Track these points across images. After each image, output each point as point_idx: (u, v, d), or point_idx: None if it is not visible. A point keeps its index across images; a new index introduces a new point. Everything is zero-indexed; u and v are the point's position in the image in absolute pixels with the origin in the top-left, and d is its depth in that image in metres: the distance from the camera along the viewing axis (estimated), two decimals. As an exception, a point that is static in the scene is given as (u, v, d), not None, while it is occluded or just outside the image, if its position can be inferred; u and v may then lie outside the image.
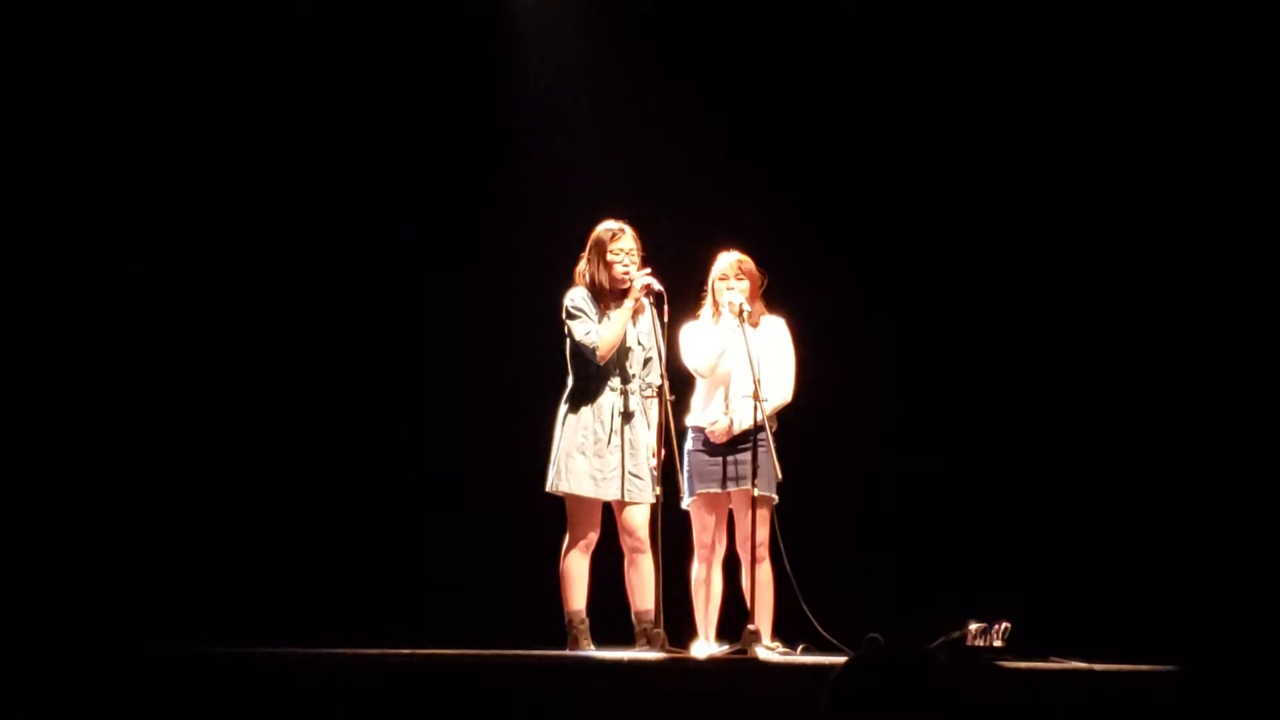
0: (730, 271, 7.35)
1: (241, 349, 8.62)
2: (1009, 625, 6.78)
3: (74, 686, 5.89)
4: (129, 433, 8.42)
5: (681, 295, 7.44)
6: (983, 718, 5.59)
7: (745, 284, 7.31)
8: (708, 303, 7.43)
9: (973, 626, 6.76)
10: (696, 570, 7.31)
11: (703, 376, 7.35)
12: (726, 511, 7.33)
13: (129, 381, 8.45)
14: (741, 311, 7.20)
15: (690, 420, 7.34)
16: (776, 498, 7.15)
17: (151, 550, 8.28)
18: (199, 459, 8.51)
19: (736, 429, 7.20)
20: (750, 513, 7.13)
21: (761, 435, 7.08)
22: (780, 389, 7.26)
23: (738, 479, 7.19)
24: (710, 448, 7.27)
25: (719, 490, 7.25)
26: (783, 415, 7.32)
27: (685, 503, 7.27)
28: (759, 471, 7.09)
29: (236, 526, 8.44)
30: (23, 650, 6.46)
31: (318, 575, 8.29)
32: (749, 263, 7.37)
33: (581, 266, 7.28)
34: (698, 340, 7.34)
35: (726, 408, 7.27)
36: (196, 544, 8.36)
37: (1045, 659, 6.69)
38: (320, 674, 6.17)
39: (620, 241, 7.19)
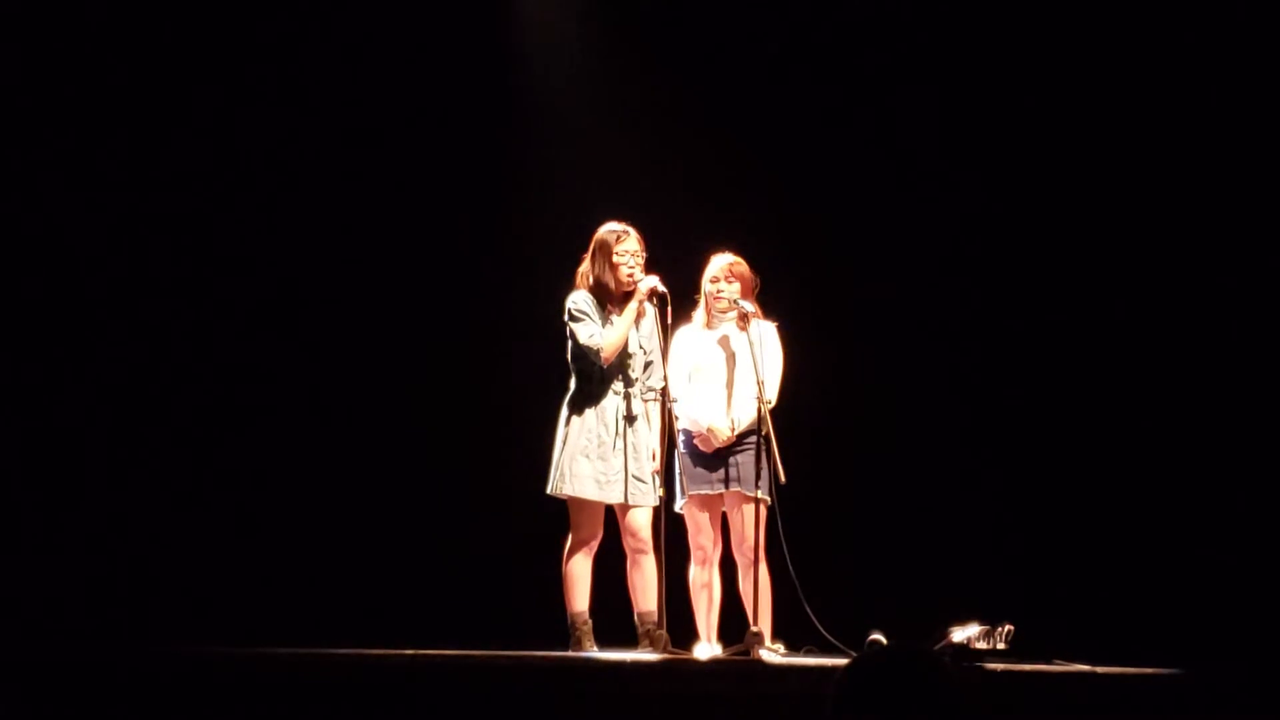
0: (721, 274, 7.32)
1: (244, 350, 8.62)
2: (1012, 627, 6.77)
3: (74, 686, 5.87)
4: (130, 433, 8.41)
5: (684, 298, 7.43)
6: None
7: (736, 286, 7.29)
8: (700, 306, 7.40)
9: (969, 630, 6.75)
10: (694, 573, 7.29)
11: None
12: (720, 513, 7.30)
13: (130, 381, 8.44)
14: (740, 310, 7.18)
15: (682, 424, 7.26)
16: (770, 499, 7.11)
17: (152, 550, 8.28)
18: (200, 458, 8.50)
19: (738, 430, 7.18)
20: (748, 515, 7.10)
21: (760, 436, 7.04)
22: (765, 392, 7.20)
23: (736, 480, 7.16)
24: (703, 450, 7.23)
25: (714, 491, 7.22)
26: (780, 413, 7.27)
27: (678, 505, 7.22)
28: (759, 473, 7.06)
29: (239, 527, 8.43)
30: (21, 650, 6.46)
31: (320, 576, 8.29)
32: (741, 264, 7.34)
33: (584, 268, 7.24)
34: (676, 357, 7.26)
35: (728, 411, 7.24)
36: (198, 544, 8.36)
37: (1048, 661, 6.68)
38: (323, 675, 6.15)
39: (625, 243, 7.16)
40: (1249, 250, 8.62)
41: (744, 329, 7.22)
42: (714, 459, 7.21)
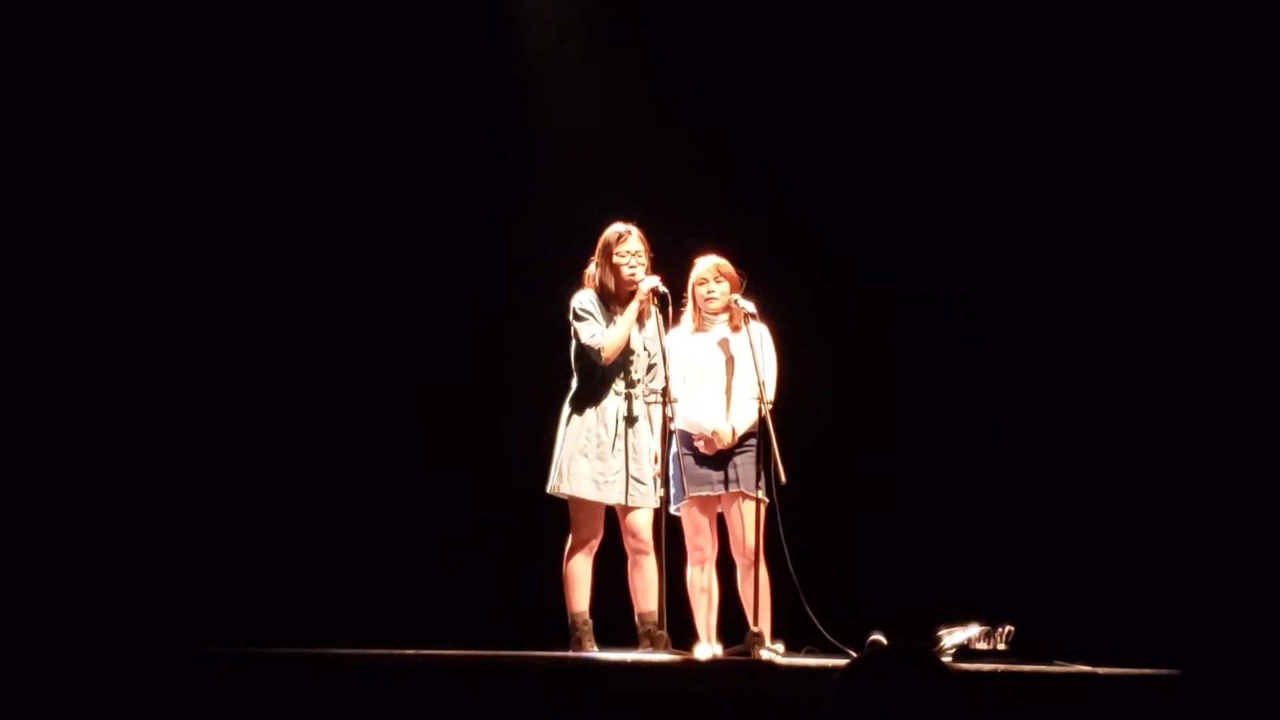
0: (709, 275, 7.30)
1: (246, 350, 8.62)
2: (1012, 628, 6.78)
3: (75, 686, 5.87)
4: (131, 433, 8.41)
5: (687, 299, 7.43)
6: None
7: (725, 286, 7.27)
8: (688, 309, 7.38)
9: (970, 631, 6.76)
10: (694, 575, 7.27)
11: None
12: (717, 513, 7.29)
13: (131, 381, 8.44)
14: (739, 310, 7.17)
15: (678, 425, 7.19)
16: (768, 498, 7.10)
17: (153, 550, 8.27)
18: (200, 458, 8.50)
19: (740, 432, 7.17)
20: (746, 515, 7.10)
21: (764, 437, 7.04)
22: (766, 393, 7.18)
23: (735, 481, 7.15)
24: (701, 452, 7.22)
25: (713, 493, 7.21)
26: (778, 413, 7.25)
27: (675, 508, 7.17)
28: (758, 474, 7.05)
29: (240, 526, 8.43)
30: (23, 650, 6.45)
31: (321, 575, 8.28)
32: (727, 265, 7.32)
33: (590, 269, 7.25)
34: (670, 362, 7.23)
35: (728, 414, 7.22)
36: (198, 544, 8.35)
37: (1049, 662, 6.68)
38: (323, 674, 6.15)
39: (627, 243, 7.16)
40: (1247, 250, 8.61)
41: (740, 328, 7.20)
42: (715, 460, 7.20)
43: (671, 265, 7.35)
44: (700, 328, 7.36)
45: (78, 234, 8.40)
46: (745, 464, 7.15)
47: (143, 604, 8.05)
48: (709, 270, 7.30)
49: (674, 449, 7.12)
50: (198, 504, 8.43)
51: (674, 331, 7.33)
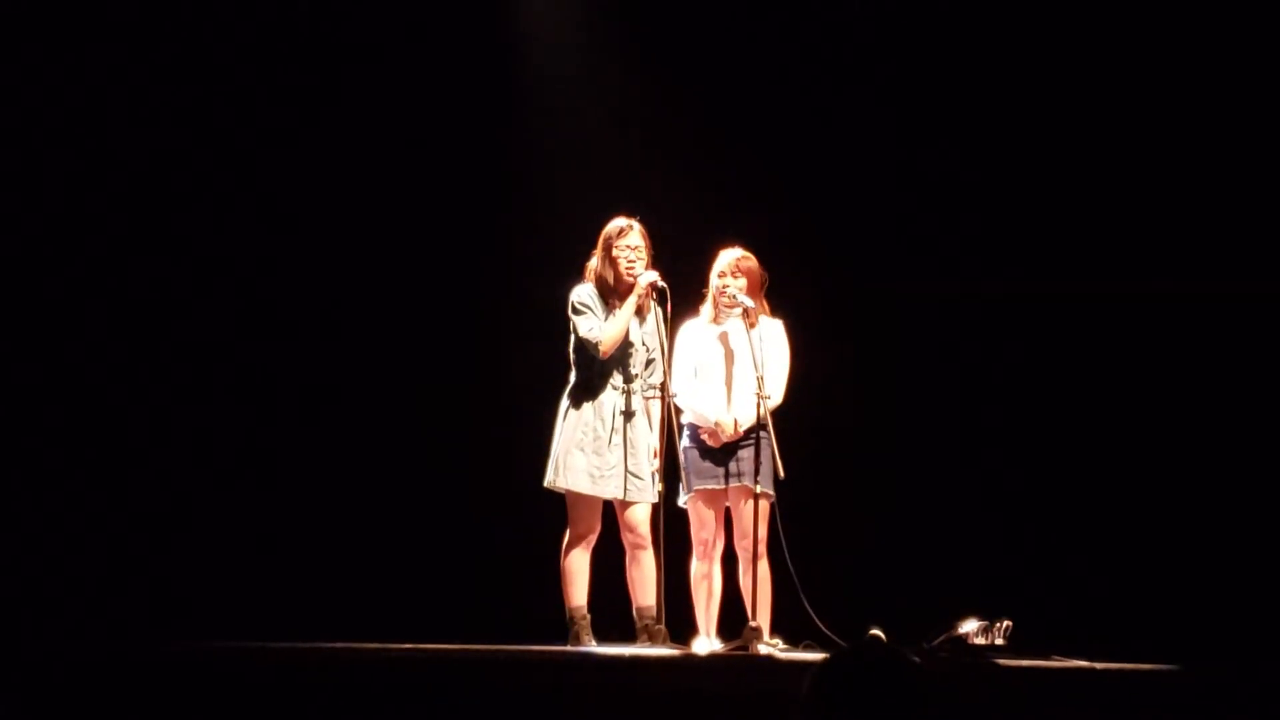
0: (729, 269, 7.32)
1: (246, 345, 8.65)
2: (1010, 623, 6.78)
3: (74, 686, 5.89)
4: (131, 431, 8.43)
5: (690, 294, 7.42)
6: (980, 717, 5.60)
7: (743, 281, 7.28)
8: (708, 301, 7.40)
9: (967, 626, 6.76)
10: (696, 567, 7.29)
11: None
12: (724, 508, 7.31)
13: (132, 379, 8.47)
14: (740, 305, 7.18)
15: (686, 418, 7.27)
16: (774, 494, 7.12)
17: (152, 548, 8.31)
18: (201, 455, 8.52)
19: (741, 428, 7.18)
20: (750, 510, 7.12)
21: (764, 432, 7.06)
22: (772, 391, 7.21)
23: (739, 475, 7.17)
24: (707, 445, 7.24)
25: (719, 486, 7.23)
26: (782, 411, 7.28)
27: (682, 500, 7.23)
28: (759, 468, 7.07)
29: (236, 523, 8.45)
30: (23, 650, 6.48)
31: (318, 571, 8.30)
32: (749, 260, 7.34)
33: (592, 263, 7.27)
34: (682, 351, 7.29)
35: (729, 406, 7.24)
36: (197, 541, 8.38)
37: (1047, 657, 6.68)
38: (320, 669, 6.17)
39: (627, 238, 7.18)
40: (1246, 256, 8.60)
41: (752, 325, 7.20)
42: (719, 454, 7.22)
43: (672, 263, 7.36)
44: (715, 319, 7.39)
45: (74, 234, 8.43)
46: (748, 458, 7.16)
47: (144, 602, 8.08)
48: (729, 264, 7.32)
49: (683, 442, 7.16)
50: (198, 502, 8.46)
51: (692, 321, 7.37)
